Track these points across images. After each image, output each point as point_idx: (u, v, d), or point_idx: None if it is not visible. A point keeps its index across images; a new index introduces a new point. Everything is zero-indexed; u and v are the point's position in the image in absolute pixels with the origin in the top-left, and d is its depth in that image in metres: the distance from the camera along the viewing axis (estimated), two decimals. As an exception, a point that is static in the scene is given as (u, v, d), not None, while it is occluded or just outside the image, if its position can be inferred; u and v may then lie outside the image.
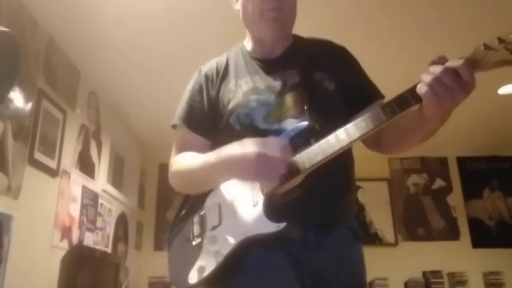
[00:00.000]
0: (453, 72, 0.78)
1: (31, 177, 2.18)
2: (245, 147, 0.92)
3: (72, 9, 2.27)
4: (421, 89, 0.81)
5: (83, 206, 2.81)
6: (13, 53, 2.06)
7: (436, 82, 0.79)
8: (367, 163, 4.16)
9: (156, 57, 2.77)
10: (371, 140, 1.09)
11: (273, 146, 0.91)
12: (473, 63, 0.78)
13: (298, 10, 1.18)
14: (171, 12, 2.34)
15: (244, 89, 1.12)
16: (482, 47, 0.77)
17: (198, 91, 1.19)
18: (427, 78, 0.81)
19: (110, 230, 3.37)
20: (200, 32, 2.47)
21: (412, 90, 0.84)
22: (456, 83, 0.78)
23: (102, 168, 3.24)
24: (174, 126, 1.21)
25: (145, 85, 3.12)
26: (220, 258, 0.96)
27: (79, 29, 2.45)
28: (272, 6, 1.10)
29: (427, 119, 0.87)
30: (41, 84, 2.33)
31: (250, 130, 1.04)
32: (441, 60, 0.81)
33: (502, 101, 3.47)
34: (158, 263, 3.74)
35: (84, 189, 2.85)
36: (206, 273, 0.97)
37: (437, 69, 0.80)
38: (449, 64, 0.79)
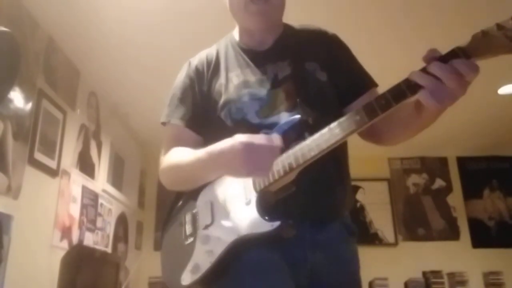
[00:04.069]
0: (456, 73, 0.74)
1: (31, 177, 2.18)
2: (234, 140, 0.89)
3: (72, 9, 2.27)
4: (421, 94, 0.76)
5: (83, 206, 2.81)
6: (13, 53, 2.07)
7: (437, 85, 0.74)
8: (367, 163, 4.19)
9: (156, 57, 2.76)
10: (364, 131, 1.04)
11: (260, 136, 0.88)
12: (471, 52, 0.75)
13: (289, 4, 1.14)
14: (171, 10, 2.33)
15: (235, 82, 1.08)
16: (481, 35, 0.73)
17: (189, 85, 1.15)
18: (426, 80, 0.76)
19: (110, 230, 3.36)
20: (200, 30, 2.46)
21: (408, 81, 0.79)
22: (457, 84, 0.74)
23: (102, 168, 3.23)
24: (163, 123, 1.16)
25: (145, 84, 3.11)
26: (213, 258, 0.93)
27: (79, 29, 2.45)
28: None
29: (423, 114, 0.85)
30: (41, 84, 2.33)
31: (242, 125, 1.01)
32: (433, 54, 0.77)
33: (502, 101, 3.47)
34: (158, 263, 3.67)
35: (84, 189, 2.85)
36: (199, 273, 0.94)
37: (439, 71, 0.75)
38: (454, 64, 0.74)
